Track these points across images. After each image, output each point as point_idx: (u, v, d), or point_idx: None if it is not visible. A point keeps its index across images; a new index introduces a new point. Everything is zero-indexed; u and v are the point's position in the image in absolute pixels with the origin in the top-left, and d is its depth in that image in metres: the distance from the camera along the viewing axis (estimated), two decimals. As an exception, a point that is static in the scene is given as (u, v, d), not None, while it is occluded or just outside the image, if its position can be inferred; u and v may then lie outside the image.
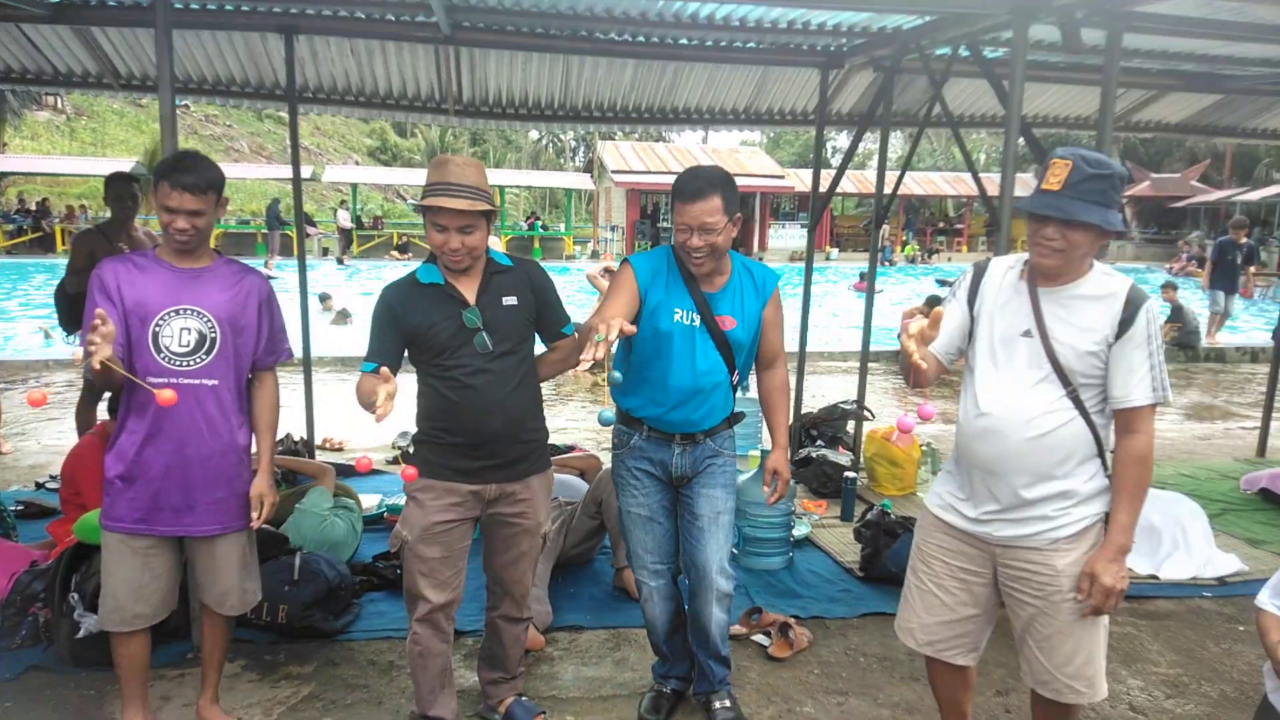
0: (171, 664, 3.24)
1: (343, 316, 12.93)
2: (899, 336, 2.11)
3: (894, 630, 2.57)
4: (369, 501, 4.76)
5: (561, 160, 50.71)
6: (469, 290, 2.59)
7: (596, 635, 3.62)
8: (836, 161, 40.34)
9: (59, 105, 34.66)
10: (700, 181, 2.58)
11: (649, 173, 27.73)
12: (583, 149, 49.74)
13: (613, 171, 27.50)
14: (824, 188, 5.91)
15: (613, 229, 28.84)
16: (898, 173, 5.92)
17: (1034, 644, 2.30)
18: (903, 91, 5.86)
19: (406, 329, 2.57)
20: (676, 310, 2.69)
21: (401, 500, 4.74)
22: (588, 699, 3.15)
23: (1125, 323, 2.14)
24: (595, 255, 27.49)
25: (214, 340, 2.54)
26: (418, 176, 33.62)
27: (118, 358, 2.31)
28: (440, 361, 2.57)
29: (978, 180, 4.46)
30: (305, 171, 28.13)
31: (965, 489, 2.35)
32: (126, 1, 4.38)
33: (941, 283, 11.38)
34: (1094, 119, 6.68)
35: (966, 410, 2.32)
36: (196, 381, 2.52)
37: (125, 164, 24.43)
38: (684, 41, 5.09)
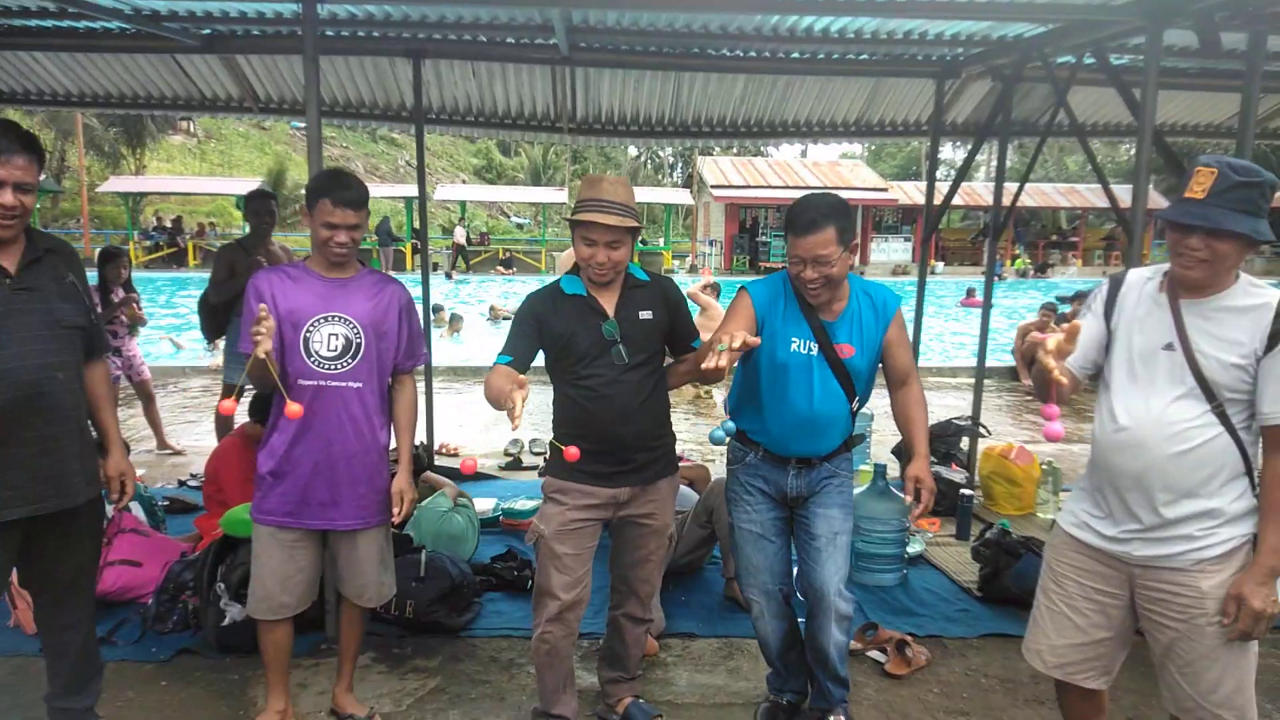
0: (306, 654, 3.42)
1: (456, 320, 13.71)
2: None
3: (1017, 652, 2.51)
4: (485, 505, 4.91)
5: (660, 176, 51.09)
6: (609, 303, 2.69)
7: (709, 643, 3.64)
8: (941, 173, 39.42)
9: (191, 129, 37.09)
10: (813, 212, 2.53)
11: (748, 187, 27.70)
12: (680, 164, 49.99)
13: (712, 186, 27.58)
14: (923, 199, 5.80)
15: (711, 243, 28.88)
16: (1006, 184, 5.77)
17: (1176, 670, 2.21)
18: (1021, 100, 5.71)
19: (548, 334, 2.69)
20: (794, 339, 2.67)
21: (516, 504, 4.92)
22: (702, 705, 3.17)
23: (1276, 335, 2.04)
24: (694, 270, 27.58)
25: (359, 345, 2.70)
26: (522, 194, 34.66)
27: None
28: (577, 370, 2.67)
29: (1109, 192, 4.31)
30: (415, 190, 29.33)
31: (1102, 506, 2.28)
32: (273, 31, 4.69)
33: (1061, 299, 10.92)
34: (1227, 125, 6.37)
35: (1103, 424, 2.26)
36: (343, 384, 2.68)
37: (250, 184, 25.96)
38: (795, 55, 5.12)
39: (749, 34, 4.62)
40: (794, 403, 2.69)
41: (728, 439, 2.88)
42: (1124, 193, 4.35)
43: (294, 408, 2.48)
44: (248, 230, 5.39)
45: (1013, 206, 5.45)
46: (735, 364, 2.64)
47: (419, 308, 2.82)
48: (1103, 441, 2.25)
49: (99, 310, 2.75)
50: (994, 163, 5.34)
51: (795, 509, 2.85)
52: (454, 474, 5.76)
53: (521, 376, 2.43)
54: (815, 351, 2.67)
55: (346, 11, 4.27)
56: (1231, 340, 2.08)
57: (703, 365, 2.25)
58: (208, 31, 4.77)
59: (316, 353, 2.67)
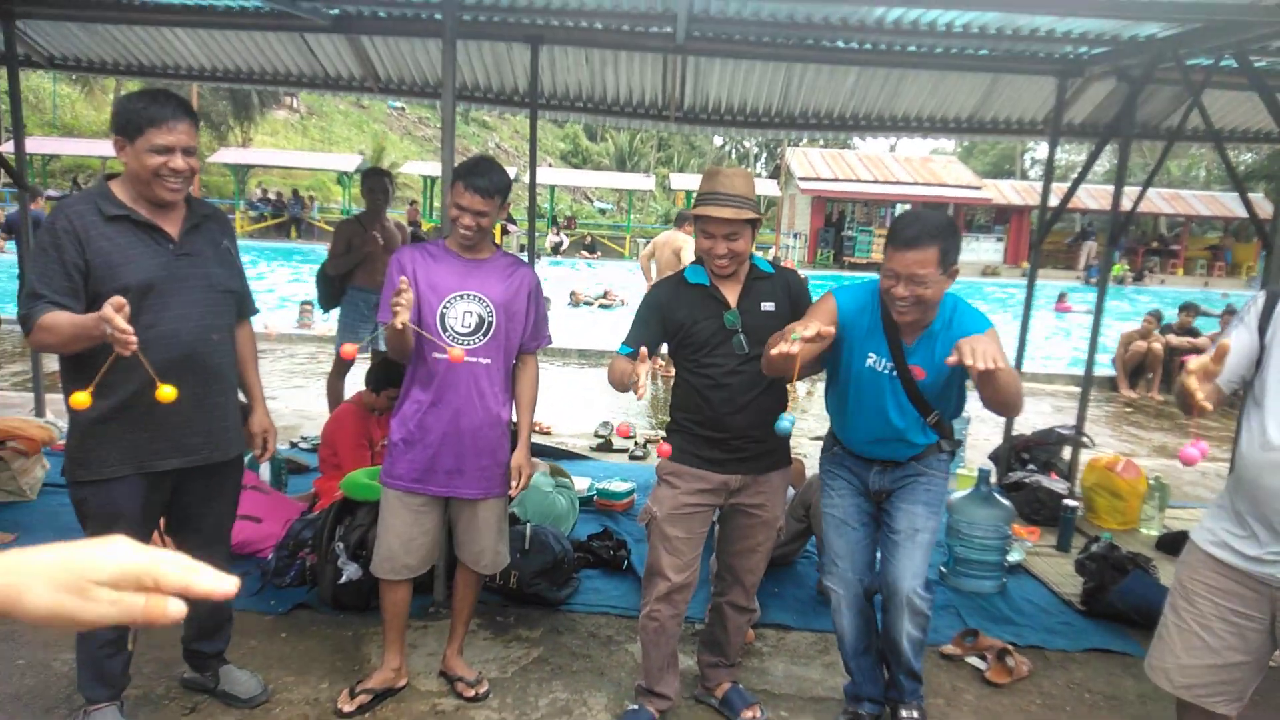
0: (415, 616, 3.56)
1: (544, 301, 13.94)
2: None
3: (1122, 669, 2.48)
4: (580, 484, 5.01)
5: (744, 165, 50.75)
6: (731, 294, 2.73)
7: (804, 636, 3.66)
8: (1035, 174, 38.06)
9: (294, 105, 38.34)
10: (919, 228, 2.43)
11: (836, 180, 27.28)
12: (765, 155, 49.52)
13: (799, 178, 27.26)
14: (1018, 199, 5.65)
15: (795, 236, 28.57)
16: (1119, 188, 5.57)
17: (1313, 698, 2.14)
18: (1145, 102, 5.51)
19: (670, 323, 2.74)
20: (870, 355, 2.63)
21: (610, 485, 5.00)
22: (800, 697, 3.20)
23: None
24: (776, 262, 27.28)
25: (491, 324, 2.79)
26: (607, 179, 34.86)
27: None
28: (698, 358, 2.72)
29: (1247, 202, 4.14)
30: (511, 172, 29.71)
31: (1245, 526, 2.21)
32: (407, 14, 4.83)
33: (1188, 307, 10.47)
34: (1372, 134, 6.01)
35: (1252, 442, 2.19)
36: (474, 360, 2.78)
37: (350, 160, 26.76)
38: (911, 49, 5.02)
39: (867, 26, 4.56)
40: (868, 416, 2.68)
41: (790, 428, 2.89)
42: (1230, 200, 4.17)
43: (457, 351, 2.58)
44: (361, 206, 5.57)
45: (1131, 212, 5.28)
46: (813, 360, 2.56)
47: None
48: (1251, 460, 2.19)
49: (244, 276, 2.90)
50: (1119, 163, 5.16)
51: (881, 503, 2.84)
52: (549, 452, 5.89)
53: (647, 354, 2.48)
54: (891, 370, 2.61)
55: (478, -2, 4.37)
56: None
57: (772, 350, 2.21)
58: (337, 11, 4.94)
59: (452, 328, 2.77)
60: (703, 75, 5.69)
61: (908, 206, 27.65)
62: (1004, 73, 5.35)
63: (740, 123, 6.20)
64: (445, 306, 2.77)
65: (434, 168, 30.65)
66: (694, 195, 2.73)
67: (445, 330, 2.77)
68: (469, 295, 2.78)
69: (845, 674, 3.03)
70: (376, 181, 5.50)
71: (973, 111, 5.98)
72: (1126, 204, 5.41)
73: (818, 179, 27.17)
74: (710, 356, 2.72)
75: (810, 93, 5.86)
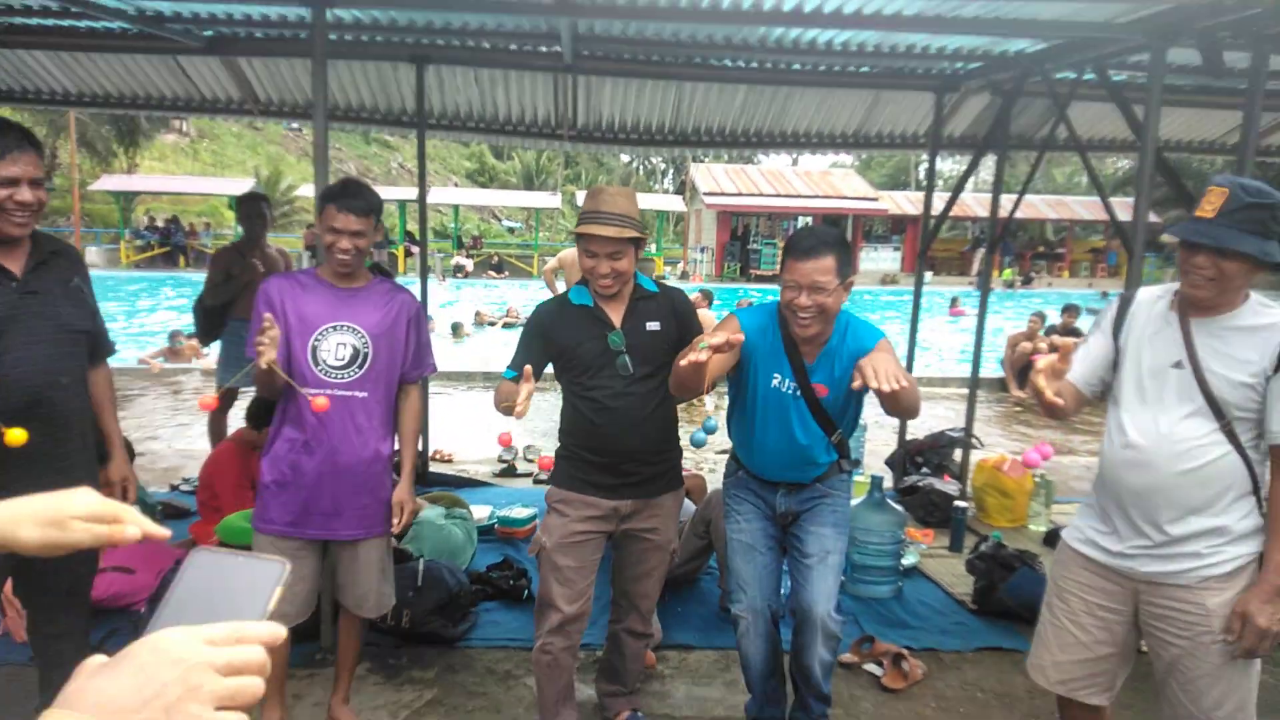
0: (301, 664, 3.40)
1: (458, 327, 14.20)
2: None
3: (1012, 666, 2.54)
4: (480, 513, 4.89)
5: (651, 182, 51.20)
6: (615, 314, 2.69)
7: (706, 655, 3.64)
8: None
9: (184, 129, 36.88)
10: (815, 240, 2.51)
11: (740, 194, 27.78)
12: (672, 171, 50.09)
13: (704, 193, 27.64)
14: (913, 209, 5.83)
15: (702, 250, 28.93)
16: (996, 197, 5.80)
17: (1178, 687, 2.22)
18: (1019, 115, 5.75)
19: (554, 345, 2.69)
20: (775, 375, 2.65)
21: (511, 512, 4.90)
22: (700, 718, 3.17)
23: None
24: (685, 276, 27.62)
25: (367, 355, 2.69)
26: (514, 198, 34.58)
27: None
28: (583, 381, 2.67)
29: (1109, 206, 4.33)
30: (411, 193, 29.14)
31: (1108, 522, 2.29)
32: (279, 34, 4.67)
33: (1070, 308, 10.98)
34: (1223, 142, 6.42)
35: (1112, 441, 2.27)
36: (349, 393, 2.67)
37: (243, 184, 25.88)
38: (796, 66, 5.13)
39: (752, 45, 4.63)
40: (773, 437, 2.68)
41: (709, 438, 2.88)
42: (1116, 206, 4.41)
43: (321, 401, 2.50)
44: (241, 233, 5.36)
45: (1009, 219, 5.49)
46: (719, 381, 2.58)
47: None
48: (1111, 458, 2.27)
49: (100, 317, 2.73)
50: (983, 175, 5.34)
51: (787, 526, 2.82)
52: (449, 480, 5.75)
53: (531, 373, 2.42)
54: (795, 391, 2.63)
55: (353, 16, 4.25)
56: (1241, 359, 2.10)
57: (680, 360, 2.21)
58: (210, 33, 4.75)
59: (324, 361, 2.65)
60: (595, 94, 5.68)
61: (809, 219, 28.35)
62: (886, 89, 5.51)
63: (635, 141, 6.22)
64: (316, 340, 2.65)
65: (334, 190, 29.94)
66: (579, 215, 2.70)
67: (317, 364, 2.65)
68: (342, 326, 2.67)
69: (747, 692, 3.00)
70: (253, 207, 5.29)
71: (858, 126, 6.14)
72: (1005, 212, 5.63)
73: (722, 194, 27.62)
74: (595, 379, 2.67)
75: (702, 111, 5.92)
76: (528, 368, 2.42)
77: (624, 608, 2.92)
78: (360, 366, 2.69)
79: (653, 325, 2.72)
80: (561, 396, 2.81)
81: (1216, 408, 2.11)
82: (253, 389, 4.75)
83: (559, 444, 2.83)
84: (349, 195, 2.59)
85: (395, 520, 2.79)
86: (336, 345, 2.66)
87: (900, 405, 2.36)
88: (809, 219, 28.52)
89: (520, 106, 5.78)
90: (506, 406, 2.46)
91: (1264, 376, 2.08)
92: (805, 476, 2.74)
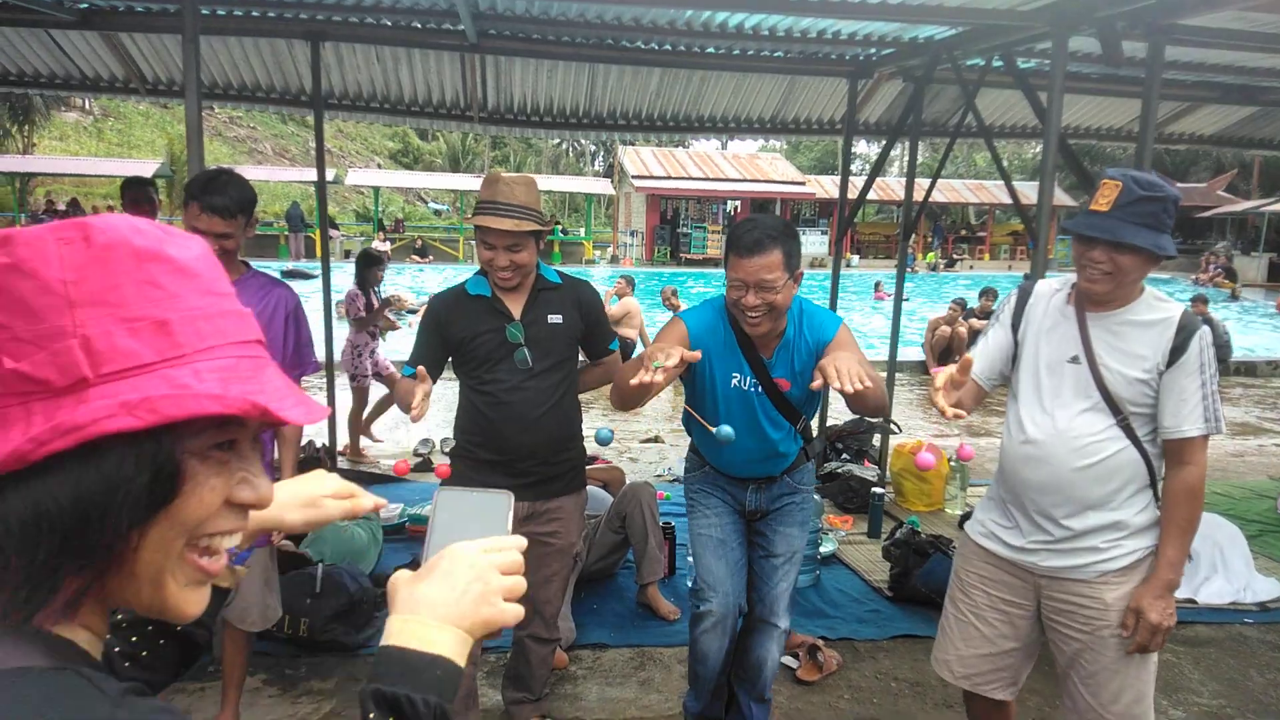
0: (191, 677, 3.20)
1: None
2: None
3: (926, 654, 2.50)
4: (389, 512, 4.72)
5: (581, 164, 50.80)
6: (515, 306, 2.57)
7: (620, 654, 3.56)
8: (856, 167, 40.19)
9: (86, 106, 35.06)
10: (759, 232, 2.32)
11: (669, 178, 27.72)
12: (603, 153, 49.77)
13: (633, 177, 27.50)
14: (849, 195, 5.83)
15: (632, 234, 28.83)
16: (923, 181, 5.85)
17: (1079, 680, 2.22)
18: (932, 101, 5.78)
19: (451, 338, 2.56)
20: (734, 375, 2.50)
21: (423, 510, 4.73)
22: (612, 721, 3.09)
23: (1177, 350, 2.05)
24: (615, 259, 27.49)
25: (241, 354, 2.50)
26: (439, 180, 33.84)
27: None
28: (480, 374, 2.56)
29: (1013, 192, 4.37)
30: (329, 174, 28.31)
31: (1009, 517, 2.27)
32: (154, 8, 4.37)
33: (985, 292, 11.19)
34: (1128, 130, 6.58)
35: (1011, 436, 2.25)
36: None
37: (150, 165, 24.72)
38: (711, 50, 5.04)
39: (663, 27, 4.53)
40: (742, 437, 2.52)
41: (611, 440, 2.77)
42: (1029, 189, 4.45)
43: None
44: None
45: (924, 203, 5.51)
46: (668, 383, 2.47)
47: (321, 302, 2.65)
48: (1010, 453, 2.24)
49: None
50: (908, 159, 5.37)
51: (753, 521, 2.72)
52: (357, 477, 5.54)
53: (426, 373, 2.30)
54: (755, 387, 2.50)
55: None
56: (1135, 354, 2.08)
57: (632, 381, 2.03)
58: (85, 6, 4.43)
59: None
60: (504, 75, 5.50)
61: (737, 203, 28.50)
62: (800, 74, 5.47)
63: (548, 124, 6.07)
64: (185, 337, 2.46)
65: (245, 171, 28.82)
66: (475, 205, 2.55)
67: (187, 364, 2.46)
68: None
69: (691, 689, 2.86)
70: (140, 191, 4.98)
71: (775, 111, 6.10)
72: (948, 196, 5.65)
73: (651, 177, 27.51)
74: (492, 372, 2.55)
75: (617, 93, 5.80)
76: (422, 369, 2.28)
77: (527, 614, 2.80)
78: (236, 366, 2.50)
79: (554, 318, 2.61)
80: (458, 392, 2.68)
81: (1112, 403, 2.09)
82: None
83: (454, 442, 2.70)
84: (213, 192, 2.40)
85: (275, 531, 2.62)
86: None
87: (866, 404, 2.20)
88: (737, 202, 28.67)
89: (426, 87, 5.57)
90: (406, 407, 2.32)
91: (1157, 372, 2.06)
92: (775, 469, 2.65)
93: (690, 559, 2.88)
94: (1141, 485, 2.14)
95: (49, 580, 0.57)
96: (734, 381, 2.50)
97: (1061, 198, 22.96)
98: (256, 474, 0.69)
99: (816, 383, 2.05)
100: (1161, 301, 2.12)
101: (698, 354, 2.14)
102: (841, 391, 2.01)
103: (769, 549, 2.68)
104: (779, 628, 2.68)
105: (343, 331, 5.93)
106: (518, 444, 2.56)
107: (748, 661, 2.74)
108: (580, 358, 2.77)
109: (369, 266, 6.26)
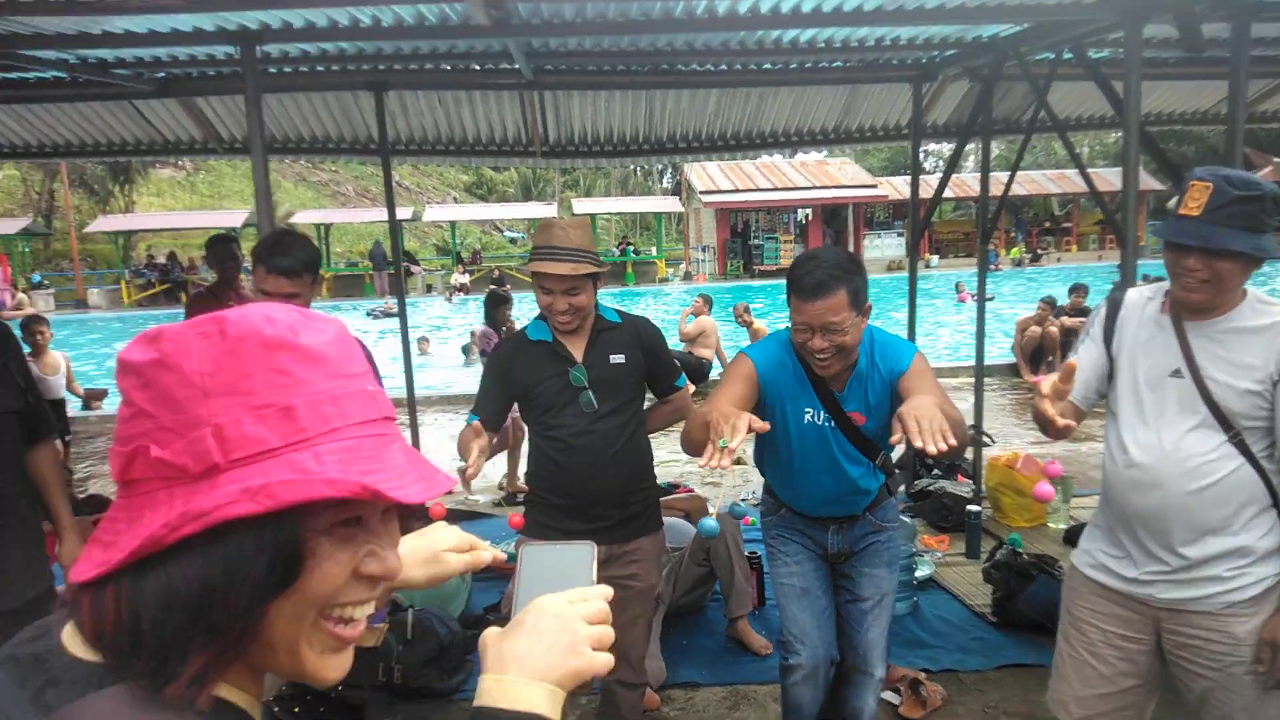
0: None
1: (423, 341, 14.07)
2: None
3: (1036, 684, 2.37)
4: (475, 551, 4.73)
5: (650, 183, 51.02)
6: (576, 348, 2.53)
7: (714, 693, 3.47)
8: (929, 165, 39.23)
9: (180, 163, 37.00)
10: (822, 273, 2.18)
11: (737, 191, 27.55)
12: (670, 170, 49.89)
13: (700, 192, 27.44)
14: (923, 195, 5.65)
15: (704, 249, 28.73)
16: (1000, 176, 5.61)
17: (1212, 721, 2.04)
18: (1002, 98, 5.56)
19: (514, 385, 2.54)
20: (807, 411, 2.38)
21: (510, 546, 4.73)
22: (706, 766, 3.00)
23: None
24: (688, 276, 27.44)
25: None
26: (513, 210, 34.50)
27: None
28: (546, 420, 2.53)
29: (1092, 186, 4.13)
30: (406, 212, 29.06)
31: (1119, 546, 2.10)
32: (225, 72, 4.55)
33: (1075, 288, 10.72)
34: (1214, 112, 6.21)
35: (1114, 460, 2.09)
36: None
37: (238, 215, 25.83)
38: (768, 67, 4.96)
39: (717, 49, 4.47)
40: (819, 474, 2.44)
41: (719, 532, 2.59)
42: (1114, 175, 4.20)
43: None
44: (215, 277, 5.23)
45: (1003, 199, 5.28)
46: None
47: (396, 340, 2.67)
48: (1114, 479, 2.08)
49: (37, 390, 2.58)
50: (981, 157, 5.17)
51: (837, 565, 2.60)
52: (462, 515, 5.60)
53: (484, 432, 2.28)
54: (829, 423, 2.38)
55: (286, 51, 4.11)
56: (1244, 364, 1.91)
57: (700, 463, 1.92)
58: (162, 76, 4.64)
59: None
60: (563, 108, 5.54)
61: (808, 211, 28.13)
62: (861, 83, 5.34)
63: (609, 153, 6.07)
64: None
65: (328, 215, 29.88)
66: (530, 250, 2.54)
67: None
68: None
69: None
70: (224, 249, 5.14)
71: (838, 122, 5.97)
72: (1029, 189, 5.42)
73: (718, 191, 27.40)
74: (558, 418, 2.52)
75: (675, 117, 5.77)
76: (478, 424, 2.26)
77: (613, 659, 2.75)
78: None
79: (617, 358, 2.56)
80: (528, 439, 2.66)
81: (1223, 418, 1.92)
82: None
83: (527, 489, 2.67)
84: (278, 254, 2.45)
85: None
86: None
87: (953, 453, 1.96)
88: (808, 211, 28.30)
89: (489, 126, 5.65)
90: (463, 455, 2.30)
91: (1270, 381, 1.89)
92: (856, 508, 2.53)
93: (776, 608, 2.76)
94: (1263, 506, 1.96)
95: (179, 654, 0.61)
96: (807, 418, 2.39)
97: (1148, 182, 21.90)
98: (385, 546, 0.71)
99: (896, 436, 1.87)
100: (1267, 305, 1.94)
101: (766, 425, 1.99)
102: (923, 451, 1.80)
103: (856, 593, 2.55)
104: (874, 677, 2.54)
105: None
106: (589, 488, 2.51)
107: (844, 712, 2.61)
108: (649, 396, 2.72)
109: (497, 306, 6.54)
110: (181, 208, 33.50)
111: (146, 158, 6.06)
